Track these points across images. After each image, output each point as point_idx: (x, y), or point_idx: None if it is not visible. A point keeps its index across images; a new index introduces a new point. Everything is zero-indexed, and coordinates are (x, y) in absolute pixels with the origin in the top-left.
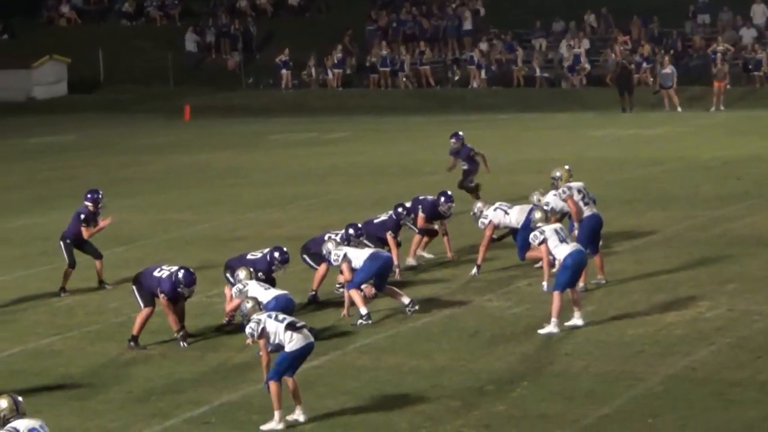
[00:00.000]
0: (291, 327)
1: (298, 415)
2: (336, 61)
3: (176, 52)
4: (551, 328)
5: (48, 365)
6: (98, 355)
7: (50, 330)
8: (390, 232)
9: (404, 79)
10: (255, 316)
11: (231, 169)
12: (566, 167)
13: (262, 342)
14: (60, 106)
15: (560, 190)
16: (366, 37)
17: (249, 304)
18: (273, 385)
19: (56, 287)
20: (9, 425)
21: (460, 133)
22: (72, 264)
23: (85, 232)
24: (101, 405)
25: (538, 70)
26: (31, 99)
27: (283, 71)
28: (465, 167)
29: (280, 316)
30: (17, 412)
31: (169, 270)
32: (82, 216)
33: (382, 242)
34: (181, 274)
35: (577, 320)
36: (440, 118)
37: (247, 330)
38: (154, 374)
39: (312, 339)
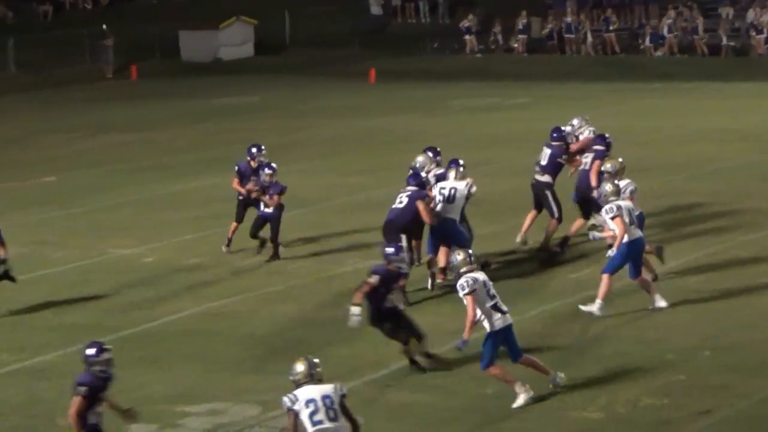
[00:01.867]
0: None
1: None
2: (521, 27)
3: (361, 15)
4: (594, 308)
5: (227, 326)
6: (278, 315)
7: (230, 291)
8: None
9: (589, 46)
10: (470, 275)
11: (411, 134)
12: (620, 160)
13: (470, 299)
14: (245, 67)
15: (608, 207)
16: (551, 3)
17: (460, 256)
18: (493, 370)
19: (235, 248)
20: (293, 392)
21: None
22: (238, 220)
23: (235, 184)
24: (281, 366)
25: (724, 39)
26: (217, 60)
27: (468, 36)
28: None
29: (492, 291)
30: (311, 378)
31: None
32: (236, 168)
33: None
34: None
35: (660, 302)
36: (623, 85)
37: (460, 283)
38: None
39: (510, 321)
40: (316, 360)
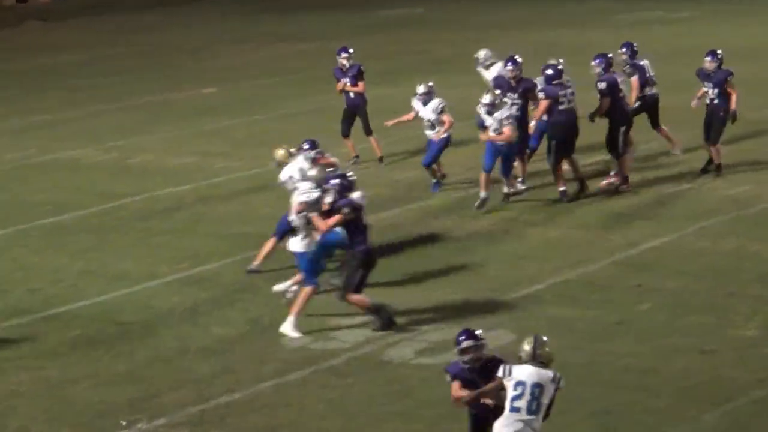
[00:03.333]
0: None
1: None
2: None
3: None
4: None
5: None
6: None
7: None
8: None
9: None
10: None
11: (575, 48)
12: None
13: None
14: None
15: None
16: None
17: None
18: None
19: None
20: (511, 365)
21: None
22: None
23: (339, 85)
24: (442, 280)
25: None
26: None
27: None
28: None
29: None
30: (533, 359)
31: None
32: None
33: None
34: None
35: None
36: None
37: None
38: None
39: None
40: (545, 338)
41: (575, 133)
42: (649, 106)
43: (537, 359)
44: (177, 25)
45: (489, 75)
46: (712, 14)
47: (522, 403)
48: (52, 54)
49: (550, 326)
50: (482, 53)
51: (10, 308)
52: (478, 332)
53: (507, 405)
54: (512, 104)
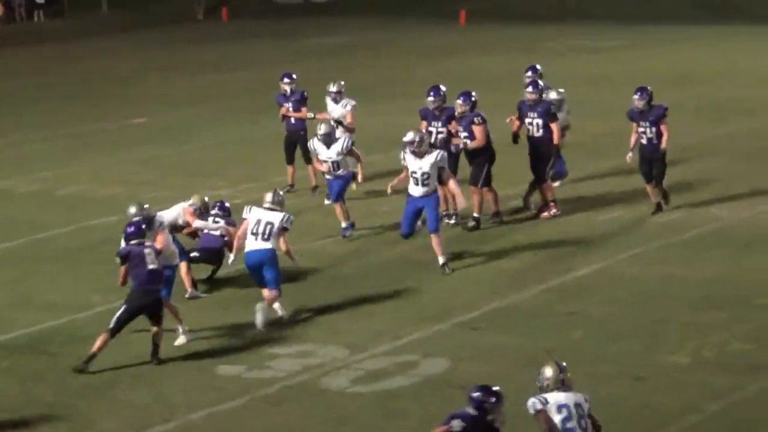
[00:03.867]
0: None
1: None
2: None
3: None
4: None
5: (319, 266)
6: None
7: (322, 232)
8: None
9: None
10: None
11: (503, 76)
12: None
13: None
14: (335, 7)
15: None
16: None
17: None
18: None
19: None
20: (541, 395)
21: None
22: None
23: (282, 110)
24: (369, 308)
25: None
26: (308, 1)
27: None
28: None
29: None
30: (562, 384)
31: None
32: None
33: None
34: None
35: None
36: (721, 27)
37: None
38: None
39: None
40: (564, 364)
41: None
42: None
43: (564, 384)
44: (104, 54)
45: (332, 108)
46: (638, 42)
47: (573, 424)
48: None
49: (483, 353)
50: (334, 87)
51: None
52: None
53: (560, 429)
54: (437, 133)
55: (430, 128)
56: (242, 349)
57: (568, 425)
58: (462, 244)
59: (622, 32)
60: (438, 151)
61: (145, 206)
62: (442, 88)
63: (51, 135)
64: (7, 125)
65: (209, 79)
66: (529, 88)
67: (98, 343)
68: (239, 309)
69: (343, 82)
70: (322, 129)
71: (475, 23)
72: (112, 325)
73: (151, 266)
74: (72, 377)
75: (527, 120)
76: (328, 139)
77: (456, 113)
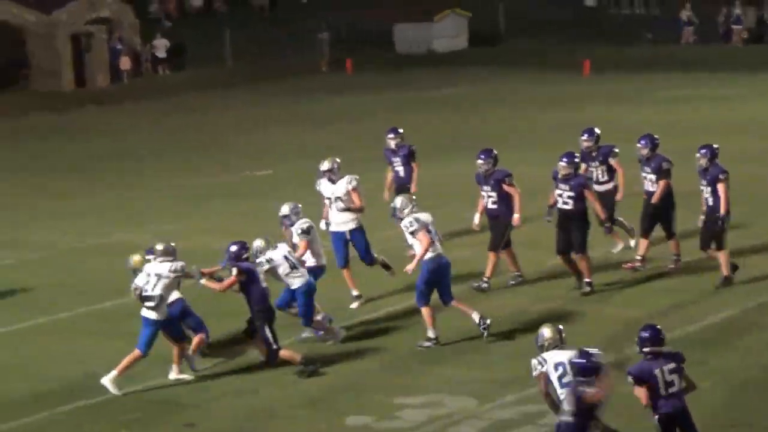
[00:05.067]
0: None
1: None
2: (735, 17)
3: (575, 5)
4: None
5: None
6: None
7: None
8: None
9: None
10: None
11: (620, 125)
12: None
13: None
14: (459, 59)
15: None
16: None
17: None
18: None
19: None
20: (541, 355)
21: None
22: None
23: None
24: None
25: None
26: (431, 52)
27: (686, 28)
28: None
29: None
30: (560, 343)
31: None
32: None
33: None
34: None
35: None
36: None
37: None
38: None
39: None
40: (561, 326)
41: None
42: None
43: (562, 343)
44: (227, 107)
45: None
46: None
47: (569, 378)
48: (108, 137)
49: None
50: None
51: None
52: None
53: (557, 387)
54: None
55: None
56: (370, 398)
57: (564, 380)
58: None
59: (742, 80)
60: None
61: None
62: (597, 130)
63: (175, 187)
64: (132, 178)
65: (332, 131)
66: (641, 142)
67: (287, 356)
68: (363, 357)
69: (338, 160)
70: (324, 165)
71: (599, 73)
72: (276, 344)
73: (264, 284)
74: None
75: (642, 174)
76: (332, 175)
77: (560, 174)
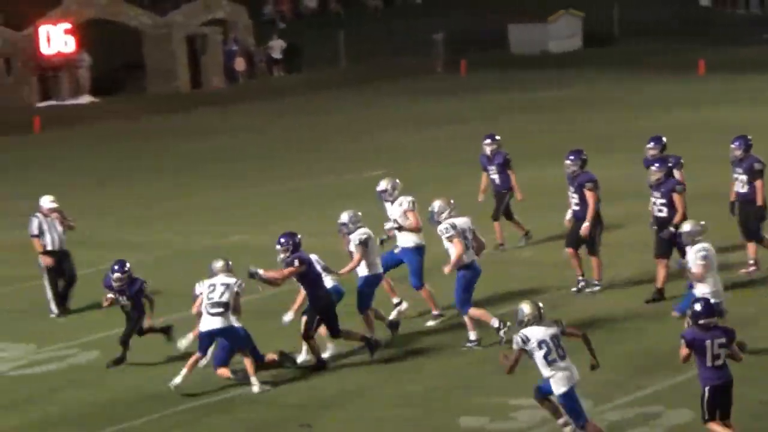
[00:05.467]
0: None
1: None
2: None
3: (690, 5)
4: None
5: None
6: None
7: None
8: None
9: None
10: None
11: (737, 127)
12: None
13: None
14: (573, 59)
15: None
16: None
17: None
18: None
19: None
20: (522, 332)
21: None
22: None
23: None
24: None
25: None
26: (545, 52)
27: None
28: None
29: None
30: (540, 319)
31: None
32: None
33: None
34: None
35: None
36: None
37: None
38: None
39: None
40: (540, 303)
41: None
42: None
43: (541, 318)
44: (341, 108)
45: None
46: None
47: (554, 355)
48: (222, 138)
49: None
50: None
51: None
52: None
53: (543, 365)
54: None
55: None
56: (483, 399)
57: (550, 357)
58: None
59: None
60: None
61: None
62: (663, 138)
63: (291, 187)
64: (247, 178)
65: (445, 132)
66: (735, 144)
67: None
68: (476, 357)
69: (398, 180)
70: (381, 185)
71: (714, 73)
72: (340, 329)
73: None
74: None
75: (733, 176)
76: (387, 196)
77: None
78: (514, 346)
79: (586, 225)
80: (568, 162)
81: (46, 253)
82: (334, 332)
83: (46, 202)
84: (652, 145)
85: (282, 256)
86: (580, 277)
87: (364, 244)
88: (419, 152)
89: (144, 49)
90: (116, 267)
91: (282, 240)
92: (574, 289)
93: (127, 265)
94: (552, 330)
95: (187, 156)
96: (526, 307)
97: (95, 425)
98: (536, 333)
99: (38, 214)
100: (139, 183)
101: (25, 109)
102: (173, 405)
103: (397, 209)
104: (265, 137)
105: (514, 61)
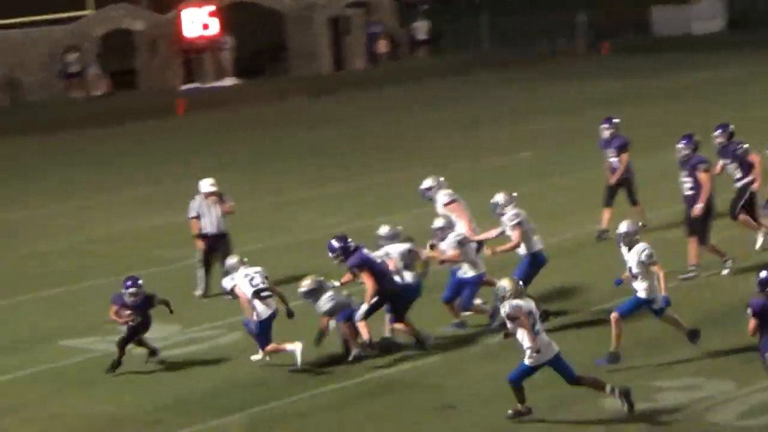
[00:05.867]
0: None
1: None
2: None
3: None
4: None
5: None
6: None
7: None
8: None
9: None
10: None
11: None
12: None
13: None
14: (717, 42)
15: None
16: None
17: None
18: None
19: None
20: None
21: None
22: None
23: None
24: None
25: None
26: (687, 35)
27: None
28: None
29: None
30: (522, 294)
31: None
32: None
33: None
34: None
35: None
36: None
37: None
38: None
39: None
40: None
41: None
42: None
43: (522, 294)
44: (481, 91)
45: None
46: None
47: (539, 326)
48: (367, 121)
49: None
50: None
51: None
52: None
53: (529, 336)
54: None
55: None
56: (629, 381)
57: (536, 328)
58: None
59: None
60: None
61: (398, 228)
62: (731, 126)
63: (437, 170)
64: (390, 162)
65: (587, 117)
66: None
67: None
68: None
69: (442, 179)
70: (425, 182)
71: None
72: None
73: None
74: None
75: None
76: (430, 193)
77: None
78: (510, 314)
79: (699, 206)
80: (680, 146)
81: (200, 236)
82: (398, 318)
83: (205, 185)
84: (719, 132)
85: (335, 262)
86: (725, 259)
87: (520, 224)
88: (568, 135)
89: (287, 32)
90: (129, 283)
91: (332, 248)
92: (725, 271)
93: (140, 280)
94: (532, 303)
95: (328, 139)
96: (507, 284)
97: (243, 404)
98: (526, 304)
99: (197, 197)
100: (284, 166)
101: (169, 92)
102: (315, 387)
103: (440, 207)
104: (404, 120)
105: (657, 43)
